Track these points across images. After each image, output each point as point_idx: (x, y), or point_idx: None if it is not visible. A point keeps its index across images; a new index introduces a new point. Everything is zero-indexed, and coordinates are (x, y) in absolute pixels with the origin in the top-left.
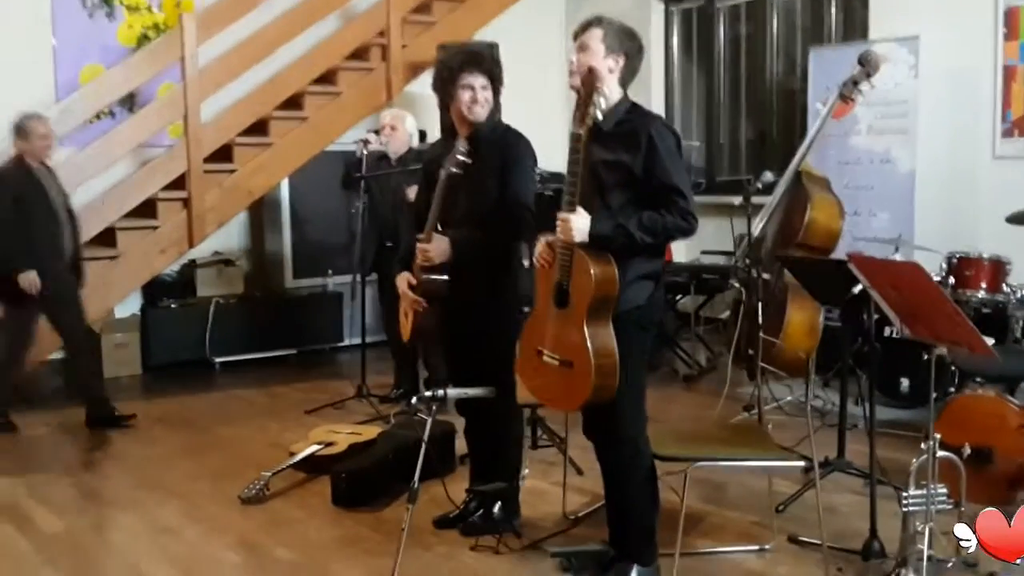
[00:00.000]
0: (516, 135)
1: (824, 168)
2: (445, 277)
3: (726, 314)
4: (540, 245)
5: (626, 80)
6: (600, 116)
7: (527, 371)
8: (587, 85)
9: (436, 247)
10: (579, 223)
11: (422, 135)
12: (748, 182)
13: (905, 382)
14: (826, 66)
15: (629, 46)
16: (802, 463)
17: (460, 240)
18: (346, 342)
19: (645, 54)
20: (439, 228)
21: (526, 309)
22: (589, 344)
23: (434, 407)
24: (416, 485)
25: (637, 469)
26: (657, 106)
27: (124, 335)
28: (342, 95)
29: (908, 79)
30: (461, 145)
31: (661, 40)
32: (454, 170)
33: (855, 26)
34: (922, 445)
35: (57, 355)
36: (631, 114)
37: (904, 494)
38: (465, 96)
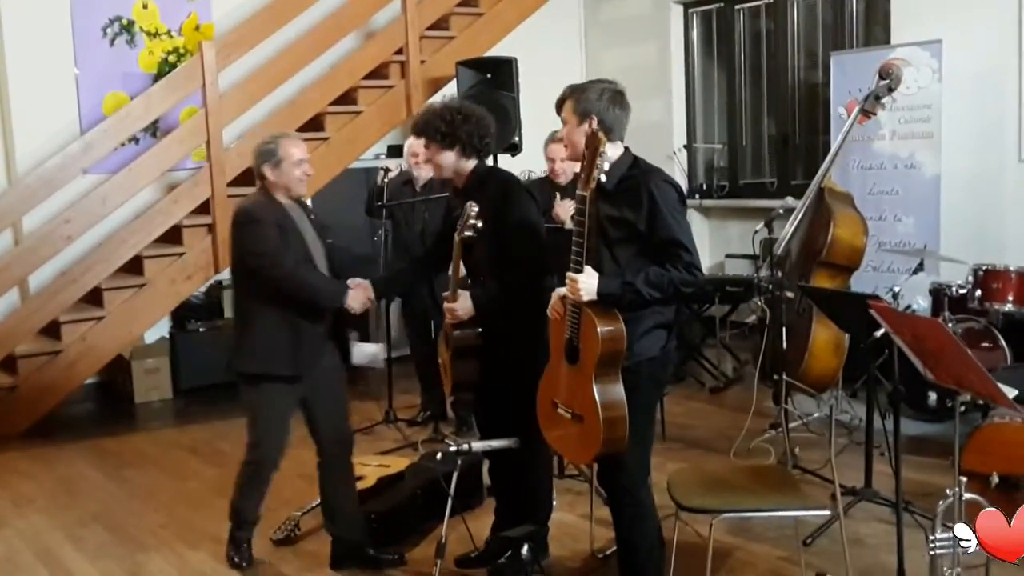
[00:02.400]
0: (500, 178)
1: (847, 173)
2: (477, 331)
3: (752, 318)
4: (554, 298)
5: (619, 135)
6: (603, 178)
7: (545, 421)
8: (590, 147)
9: (462, 305)
10: (587, 283)
11: None
12: (771, 186)
13: (933, 395)
14: (848, 71)
15: (599, 105)
16: (827, 512)
17: (479, 297)
18: None
19: (666, 58)
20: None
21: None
22: (598, 400)
23: (459, 461)
24: (444, 540)
25: (638, 519)
26: (678, 108)
27: (154, 360)
28: (363, 114)
29: (932, 83)
30: (472, 210)
31: (681, 43)
32: (468, 234)
33: (877, 26)
34: (948, 491)
35: (92, 380)
36: (633, 170)
37: (931, 538)
38: None
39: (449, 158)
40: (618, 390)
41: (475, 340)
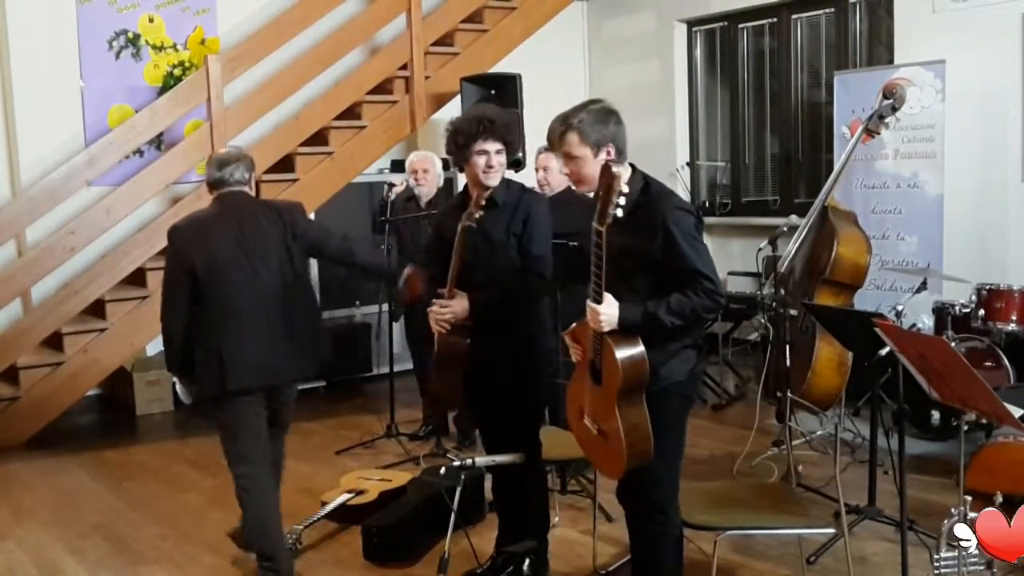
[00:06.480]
0: (531, 194)
1: (850, 192)
2: (467, 341)
3: (754, 336)
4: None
5: (626, 154)
6: (620, 213)
7: (574, 423)
8: (605, 181)
9: (459, 304)
10: (608, 313)
11: (446, 164)
12: (774, 204)
13: (936, 414)
14: (851, 90)
15: (614, 130)
16: (831, 530)
17: (479, 300)
18: (375, 371)
19: (670, 76)
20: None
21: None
22: (621, 426)
23: (462, 476)
24: (447, 555)
25: (665, 536)
26: (681, 126)
27: (156, 372)
28: (367, 128)
29: (935, 103)
30: (479, 200)
31: (684, 60)
32: (470, 224)
33: (881, 45)
34: (952, 510)
35: (93, 391)
36: (645, 195)
37: (935, 557)
38: (480, 161)
39: None
40: (641, 413)
41: (463, 349)
